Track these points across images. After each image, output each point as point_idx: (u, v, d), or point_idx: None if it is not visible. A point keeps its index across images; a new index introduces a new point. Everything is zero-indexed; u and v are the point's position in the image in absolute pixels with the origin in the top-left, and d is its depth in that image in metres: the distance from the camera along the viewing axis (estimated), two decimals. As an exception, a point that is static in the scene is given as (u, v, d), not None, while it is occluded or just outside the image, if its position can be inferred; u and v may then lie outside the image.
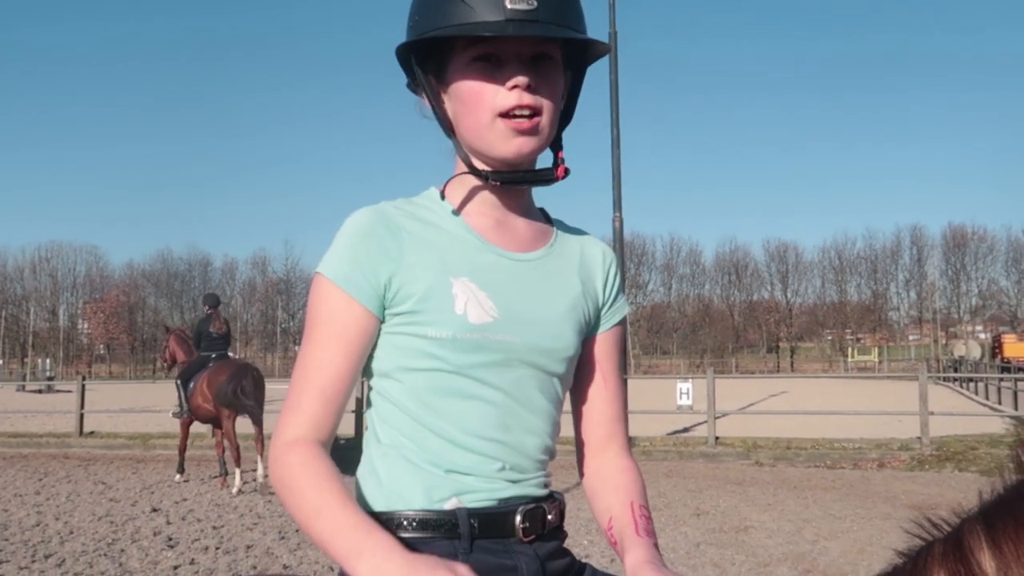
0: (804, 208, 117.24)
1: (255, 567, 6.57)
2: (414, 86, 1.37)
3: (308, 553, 6.99)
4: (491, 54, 1.27)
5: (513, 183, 1.35)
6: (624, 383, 1.50)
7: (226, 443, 11.16)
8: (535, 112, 1.28)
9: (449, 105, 1.33)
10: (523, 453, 1.32)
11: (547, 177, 1.37)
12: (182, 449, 12.06)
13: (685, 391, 20.71)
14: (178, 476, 11.73)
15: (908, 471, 12.02)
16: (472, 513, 1.26)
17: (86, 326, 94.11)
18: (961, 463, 12.14)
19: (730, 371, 71.69)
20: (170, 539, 7.54)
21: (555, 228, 1.45)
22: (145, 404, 28.11)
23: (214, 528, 8.06)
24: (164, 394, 34.60)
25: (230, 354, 12.29)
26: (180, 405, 11.78)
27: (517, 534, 1.28)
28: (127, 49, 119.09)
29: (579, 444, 1.48)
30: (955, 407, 21.87)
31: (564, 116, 1.39)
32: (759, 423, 18.04)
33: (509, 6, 1.24)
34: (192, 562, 6.71)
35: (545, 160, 1.38)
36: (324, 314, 1.28)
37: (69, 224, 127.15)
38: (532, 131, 1.28)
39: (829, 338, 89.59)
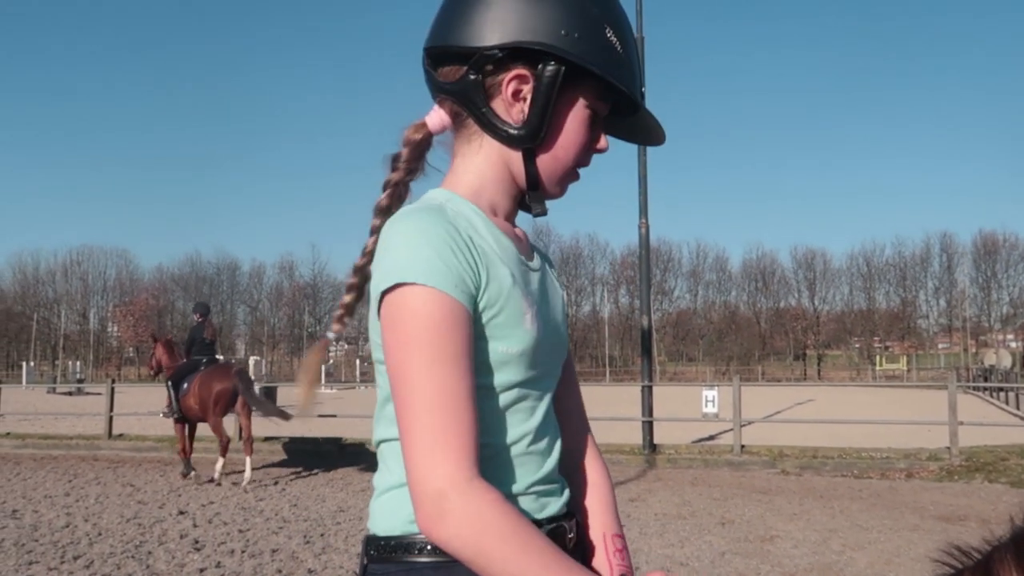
0: (832, 215, 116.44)
1: (280, 571, 6.61)
2: (496, 68, 1.27)
3: (333, 558, 7.02)
4: (598, 111, 1.33)
5: (542, 213, 1.38)
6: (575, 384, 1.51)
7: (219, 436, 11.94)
8: None
9: (563, 117, 1.30)
10: (548, 466, 1.29)
11: (544, 210, 1.39)
12: (185, 451, 12.45)
13: (711, 398, 20.57)
14: (193, 473, 12.20)
15: (937, 481, 11.88)
16: None
17: (116, 329, 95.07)
18: (991, 474, 11.99)
19: (756, 379, 71.26)
20: (197, 542, 7.61)
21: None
22: (173, 407, 28.29)
23: (240, 531, 8.12)
24: (192, 397, 34.87)
25: (219, 357, 13.07)
26: (170, 405, 12.30)
27: None
28: (159, 56, 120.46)
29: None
30: (985, 417, 21.59)
31: None
32: (785, 431, 17.90)
33: (643, 89, 1.37)
34: (218, 565, 6.76)
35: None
36: (429, 334, 1.12)
37: (100, 228, 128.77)
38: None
39: (857, 346, 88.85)
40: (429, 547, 1.19)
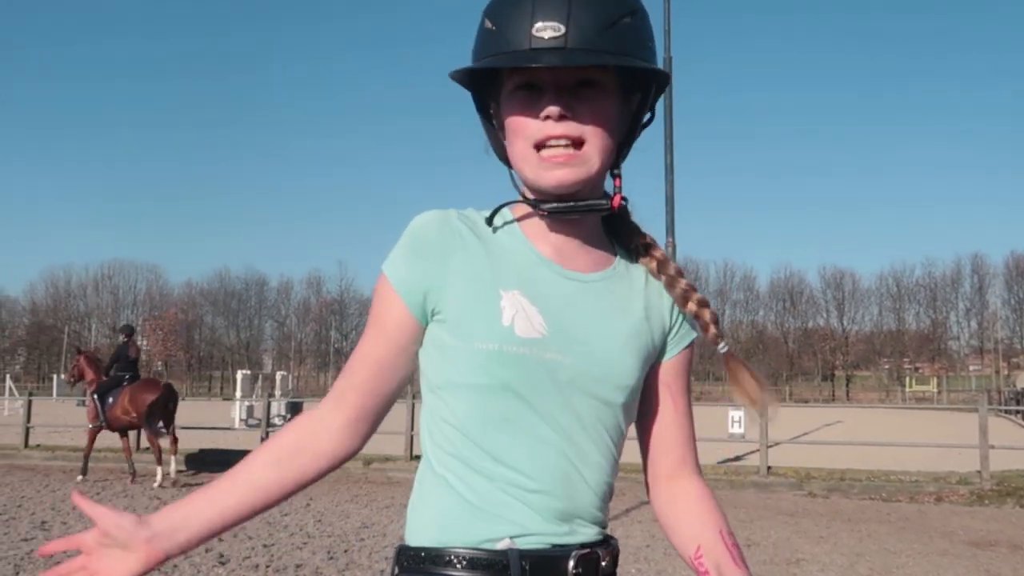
0: (861, 234, 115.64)
1: (304, 586, 6.61)
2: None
3: (356, 574, 7.03)
4: (531, 83, 1.25)
5: (562, 213, 1.30)
6: (691, 406, 1.45)
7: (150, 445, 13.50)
8: (574, 142, 1.24)
9: (502, 128, 1.33)
10: (580, 492, 1.27)
11: (599, 208, 1.31)
12: (87, 455, 14.26)
13: (737, 419, 20.44)
14: (80, 477, 13.76)
15: (967, 505, 11.71)
16: (524, 555, 1.22)
17: (145, 343, 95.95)
18: (1023, 499, 11.81)
19: (784, 399, 70.57)
20: (221, 556, 7.64)
21: (617, 255, 1.39)
22: (199, 421, 28.49)
23: (264, 546, 8.15)
24: (219, 412, 35.07)
25: (141, 375, 14.66)
26: (97, 416, 13.79)
27: None
28: (188, 70, 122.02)
29: (647, 470, 1.43)
30: (1017, 440, 21.25)
31: (626, 143, 1.34)
32: (813, 453, 17.72)
33: (534, 33, 1.21)
34: (242, 580, 6.79)
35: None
36: (376, 303, 1.33)
37: (131, 243, 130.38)
38: (572, 162, 1.24)
39: (886, 367, 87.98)
40: (462, 561, 1.22)
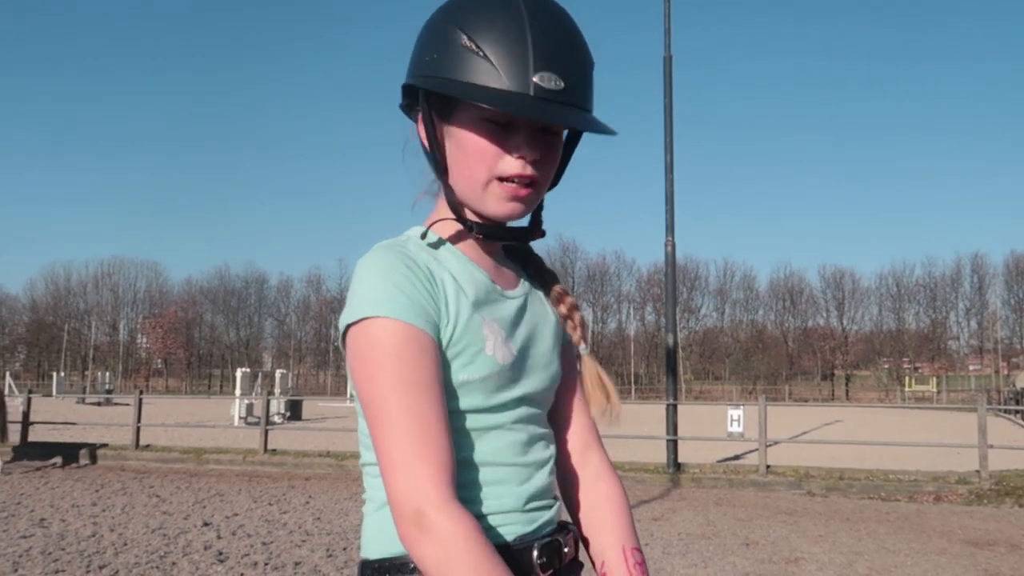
0: (861, 234, 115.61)
1: (302, 584, 6.62)
2: (410, 112, 1.35)
3: (355, 572, 7.03)
4: (507, 120, 1.25)
5: (495, 238, 1.34)
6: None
7: None
8: (532, 182, 1.27)
9: (449, 148, 1.29)
10: (538, 485, 1.31)
11: (526, 237, 1.38)
12: None
13: (736, 418, 20.47)
14: None
15: (965, 505, 11.72)
16: None
17: (145, 341, 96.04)
18: (1021, 498, 11.81)
19: (783, 398, 70.65)
20: (220, 553, 7.65)
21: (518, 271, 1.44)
22: (200, 419, 28.55)
23: (263, 544, 8.16)
24: (218, 410, 35.11)
25: None
26: None
27: (535, 570, 1.26)
28: (188, 68, 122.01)
29: (557, 451, 1.43)
30: (1016, 440, 21.26)
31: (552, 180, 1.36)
32: (812, 452, 17.74)
33: (537, 81, 1.20)
34: (241, 577, 6.80)
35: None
36: (399, 356, 1.17)
37: (131, 241, 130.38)
38: (526, 198, 1.27)
39: (886, 367, 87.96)
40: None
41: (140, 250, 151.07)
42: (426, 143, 1.31)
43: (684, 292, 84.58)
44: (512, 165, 1.25)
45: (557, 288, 1.44)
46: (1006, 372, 74.43)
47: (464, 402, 1.25)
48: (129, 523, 9.22)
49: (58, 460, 16.15)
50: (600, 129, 1.25)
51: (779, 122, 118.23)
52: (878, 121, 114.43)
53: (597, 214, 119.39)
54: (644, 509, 10.92)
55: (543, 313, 1.41)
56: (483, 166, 1.25)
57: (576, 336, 1.43)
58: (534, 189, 1.28)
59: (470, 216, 1.31)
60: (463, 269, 1.30)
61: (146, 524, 9.16)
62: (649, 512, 10.67)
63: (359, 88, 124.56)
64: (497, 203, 1.27)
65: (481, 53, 1.21)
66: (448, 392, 1.22)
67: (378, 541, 1.26)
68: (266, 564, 7.27)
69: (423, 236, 1.32)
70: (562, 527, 1.35)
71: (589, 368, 1.43)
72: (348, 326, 1.22)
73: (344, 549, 7.94)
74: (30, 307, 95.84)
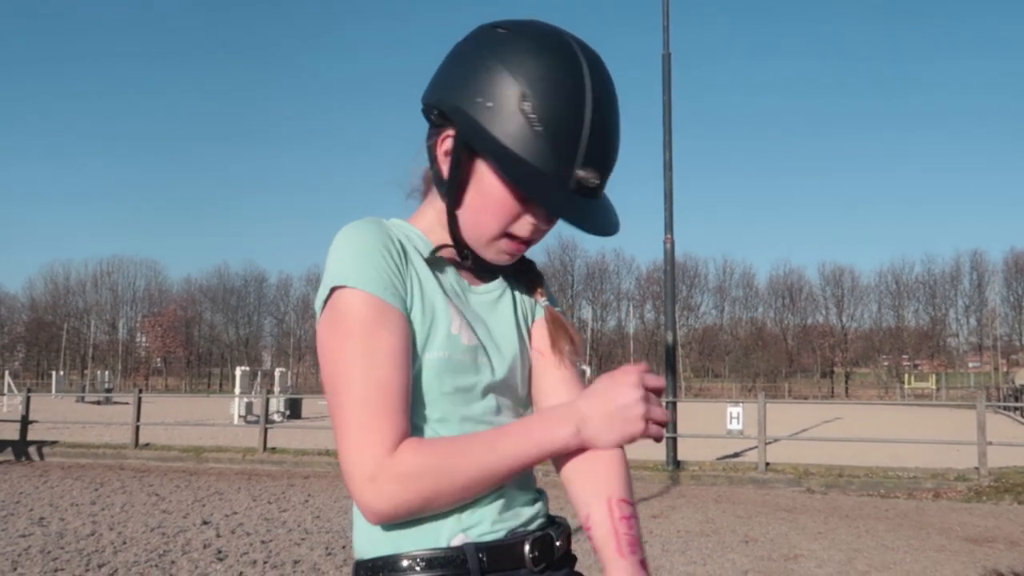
0: (860, 231, 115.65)
1: (302, 582, 6.62)
2: (431, 117, 1.32)
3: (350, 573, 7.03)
4: None
5: (479, 270, 1.37)
6: (574, 367, 1.44)
7: None
8: (532, 241, 1.32)
9: (471, 187, 1.27)
10: (519, 482, 1.30)
11: (503, 273, 1.41)
12: None
13: (736, 415, 20.46)
14: None
15: (964, 502, 11.73)
16: (480, 547, 1.22)
17: (144, 339, 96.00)
18: (1020, 495, 11.82)
19: (783, 396, 70.70)
20: (219, 552, 7.65)
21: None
22: (199, 417, 28.53)
23: (262, 542, 8.16)
24: (218, 408, 35.11)
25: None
26: None
27: (527, 564, 1.25)
28: (188, 66, 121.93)
29: None
30: (1015, 437, 21.27)
31: None
32: (811, 449, 17.76)
33: (580, 175, 1.22)
34: (240, 575, 6.80)
35: None
36: (367, 326, 1.19)
37: (130, 239, 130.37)
38: (519, 253, 1.33)
39: (885, 364, 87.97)
40: (420, 563, 1.20)
41: (139, 249, 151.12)
42: (445, 170, 1.29)
43: (683, 290, 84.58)
44: (525, 229, 1.28)
45: (539, 290, 1.45)
46: (1005, 369, 74.40)
47: (428, 383, 1.24)
48: (128, 521, 9.22)
49: (10, 457, 16.62)
50: (604, 232, 1.27)
51: (778, 119, 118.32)
52: (877, 118, 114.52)
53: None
54: (643, 507, 10.93)
55: (509, 314, 1.40)
56: (499, 223, 1.27)
57: (537, 294, 1.44)
58: (530, 245, 1.33)
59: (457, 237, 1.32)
60: (434, 258, 1.32)
61: (145, 522, 9.16)
62: (648, 510, 10.67)
63: (359, 86, 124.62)
64: (497, 255, 1.31)
65: (537, 126, 1.20)
66: (415, 372, 1.23)
67: (370, 541, 1.25)
68: (265, 562, 7.27)
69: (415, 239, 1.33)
70: (552, 521, 1.34)
71: (550, 315, 1.42)
72: (325, 299, 1.23)
73: (343, 547, 7.94)
74: (29, 306, 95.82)
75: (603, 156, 1.24)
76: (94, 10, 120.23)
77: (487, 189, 1.26)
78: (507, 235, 1.28)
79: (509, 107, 1.21)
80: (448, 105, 1.26)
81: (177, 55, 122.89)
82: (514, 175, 1.20)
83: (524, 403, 1.40)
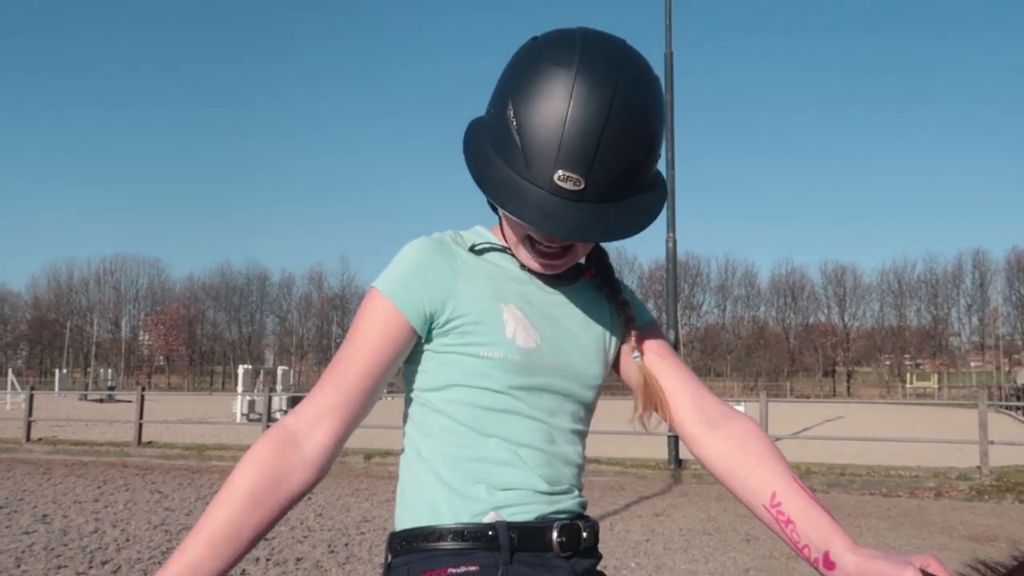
0: (863, 230, 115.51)
1: (304, 579, 6.63)
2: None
3: (357, 567, 7.06)
4: None
5: (539, 276, 1.43)
6: (685, 365, 1.53)
7: None
8: (561, 249, 1.35)
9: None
10: (559, 473, 1.37)
11: (572, 279, 1.46)
12: None
13: (737, 414, 20.46)
14: None
15: (966, 501, 11.74)
16: (511, 526, 1.30)
17: (147, 338, 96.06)
18: (1022, 494, 11.83)
19: (785, 395, 70.63)
20: (222, 549, 7.66)
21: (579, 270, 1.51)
22: (202, 415, 28.56)
23: (265, 540, 8.17)
24: (220, 406, 35.13)
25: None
26: None
27: (554, 548, 1.31)
28: (190, 64, 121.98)
29: (686, 434, 1.45)
30: (1017, 436, 21.26)
31: None
32: (813, 448, 17.76)
33: (557, 180, 1.23)
34: (243, 573, 6.81)
35: None
36: (368, 319, 1.35)
37: (133, 238, 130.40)
38: (554, 263, 1.37)
39: (887, 363, 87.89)
40: (451, 534, 1.30)
41: (142, 247, 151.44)
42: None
43: (685, 288, 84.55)
44: (537, 235, 1.34)
45: (620, 298, 1.51)
46: (1007, 368, 74.30)
47: (482, 379, 1.34)
48: (131, 519, 9.25)
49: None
50: (575, 236, 1.26)
51: (780, 118, 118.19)
52: (880, 117, 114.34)
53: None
54: (645, 505, 10.95)
55: (589, 312, 1.47)
56: (516, 228, 1.36)
57: (629, 347, 1.49)
58: (562, 258, 1.37)
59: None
60: (499, 262, 1.42)
61: (148, 520, 9.19)
62: (651, 508, 10.68)
63: (361, 86, 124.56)
64: (528, 259, 1.38)
65: (516, 137, 1.26)
66: (467, 368, 1.34)
67: (404, 516, 1.37)
68: (268, 560, 7.29)
69: (479, 243, 1.42)
70: (584, 517, 1.40)
71: (637, 376, 1.48)
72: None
73: (346, 545, 7.96)
74: (32, 304, 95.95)
75: (583, 157, 1.22)
76: (96, 10, 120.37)
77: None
78: (529, 240, 1.35)
79: (501, 117, 1.30)
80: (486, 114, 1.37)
81: (179, 54, 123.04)
82: (480, 178, 1.29)
83: (588, 405, 1.45)
